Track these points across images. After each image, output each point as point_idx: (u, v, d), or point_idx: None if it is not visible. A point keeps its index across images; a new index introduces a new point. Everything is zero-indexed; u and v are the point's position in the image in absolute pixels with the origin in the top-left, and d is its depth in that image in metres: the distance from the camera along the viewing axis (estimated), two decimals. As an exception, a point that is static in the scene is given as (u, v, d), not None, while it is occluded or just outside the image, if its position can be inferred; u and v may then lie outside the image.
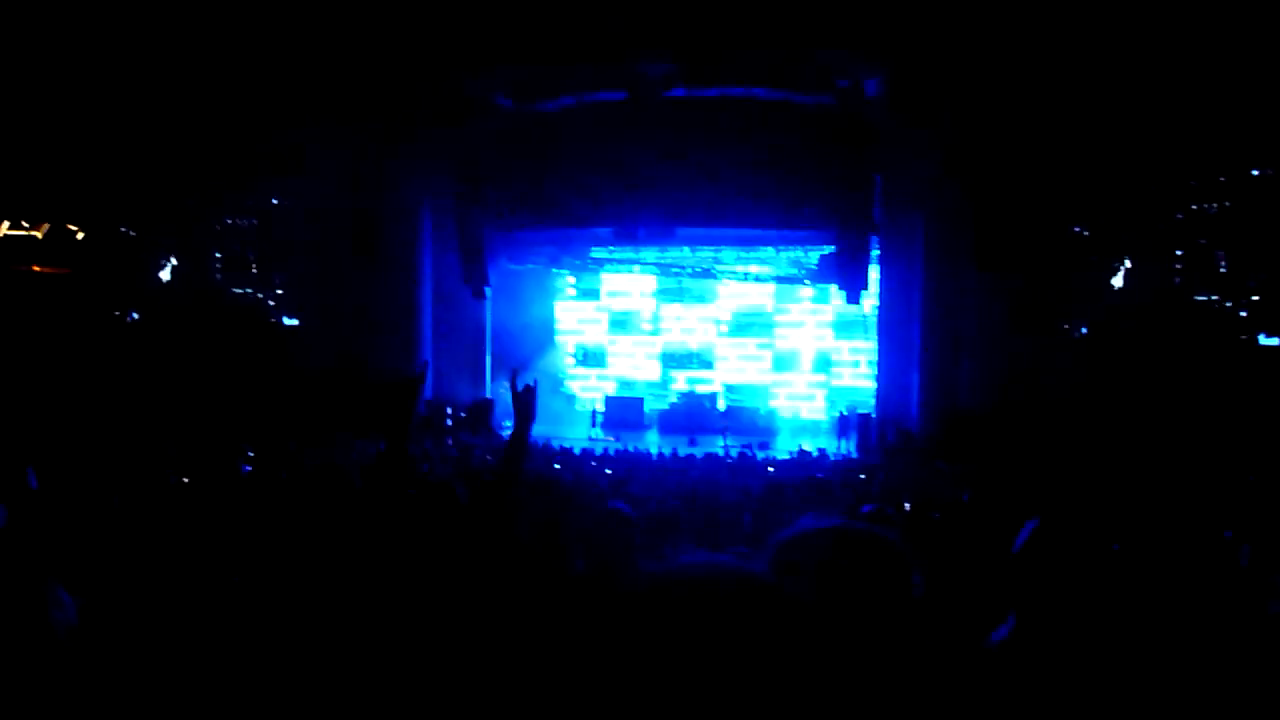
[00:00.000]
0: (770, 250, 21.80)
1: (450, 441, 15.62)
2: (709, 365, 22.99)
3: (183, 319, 17.44)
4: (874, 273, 18.03)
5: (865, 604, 1.46)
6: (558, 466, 11.83)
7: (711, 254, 22.35)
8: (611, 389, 22.88)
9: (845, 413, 19.45)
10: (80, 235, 17.89)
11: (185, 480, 5.56)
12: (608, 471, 11.26)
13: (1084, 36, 14.05)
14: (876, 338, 18.78)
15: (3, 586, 1.63)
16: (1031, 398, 15.00)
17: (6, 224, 17.52)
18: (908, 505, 6.23)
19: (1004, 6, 14.14)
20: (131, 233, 17.80)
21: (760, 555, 1.50)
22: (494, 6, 15.20)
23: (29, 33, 14.68)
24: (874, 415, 18.13)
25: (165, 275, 17.98)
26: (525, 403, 2.97)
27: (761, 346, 22.86)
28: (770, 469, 12.87)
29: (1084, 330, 15.98)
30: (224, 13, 14.86)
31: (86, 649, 1.71)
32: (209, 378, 16.72)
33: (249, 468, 7.87)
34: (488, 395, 19.47)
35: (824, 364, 22.54)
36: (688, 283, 22.89)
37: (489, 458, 12.24)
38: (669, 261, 22.39)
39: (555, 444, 14.91)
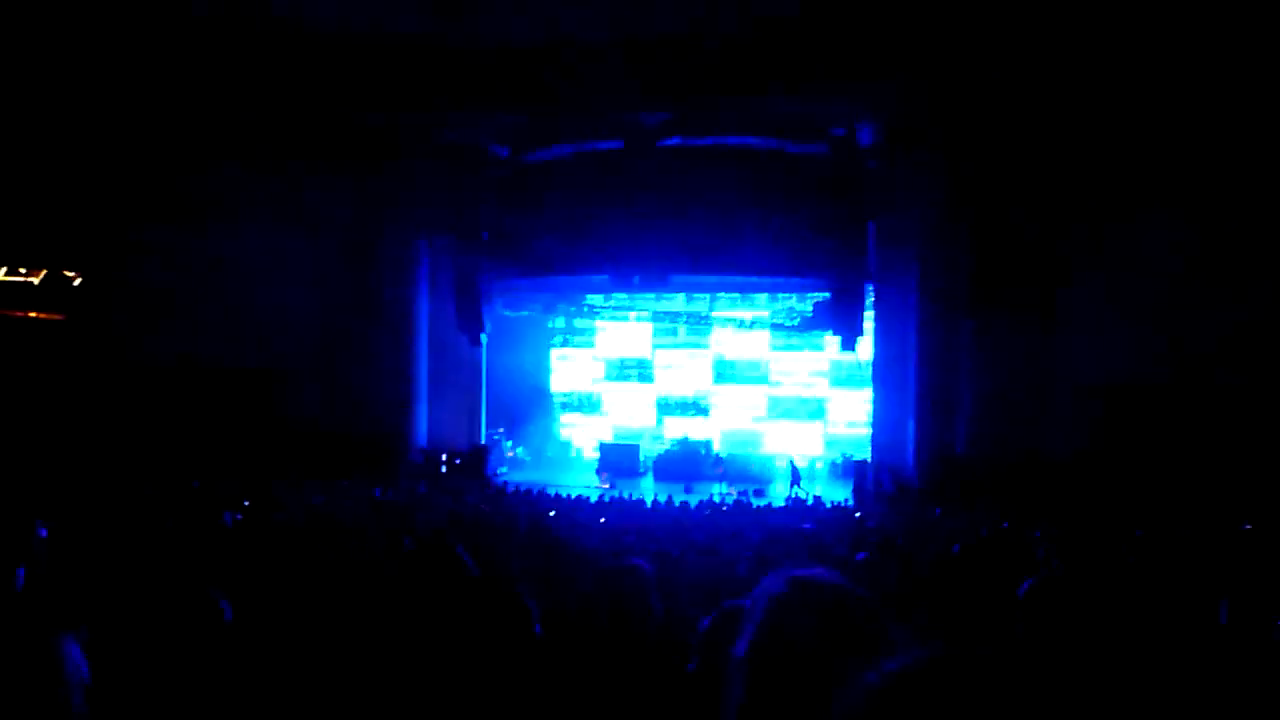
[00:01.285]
0: (765, 297, 21.88)
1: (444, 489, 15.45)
2: (704, 412, 22.93)
3: (175, 365, 17.34)
4: (870, 319, 18.10)
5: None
6: (553, 514, 11.70)
7: (707, 301, 22.45)
8: (607, 435, 22.78)
9: (842, 460, 19.38)
10: (76, 282, 17.90)
11: (170, 527, 5.46)
12: (602, 520, 11.14)
13: (1082, 72, 14.10)
14: (872, 385, 18.74)
15: (20, 645, 1.58)
16: (1028, 448, 14.89)
17: (3, 269, 17.53)
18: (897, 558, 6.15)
19: (994, 51, 14.26)
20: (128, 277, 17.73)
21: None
22: (492, 59, 15.42)
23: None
24: (870, 462, 18.02)
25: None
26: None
27: (757, 393, 22.81)
28: (767, 518, 12.74)
29: (1084, 381, 15.73)
30: (213, 55, 15.06)
31: (100, 703, 1.67)
32: (201, 423, 16.65)
33: (238, 515, 7.77)
34: (483, 441, 19.37)
35: (819, 411, 22.48)
36: (682, 329, 22.94)
37: (483, 506, 12.12)
38: (664, 309, 22.44)
39: (551, 492, 14.77)
